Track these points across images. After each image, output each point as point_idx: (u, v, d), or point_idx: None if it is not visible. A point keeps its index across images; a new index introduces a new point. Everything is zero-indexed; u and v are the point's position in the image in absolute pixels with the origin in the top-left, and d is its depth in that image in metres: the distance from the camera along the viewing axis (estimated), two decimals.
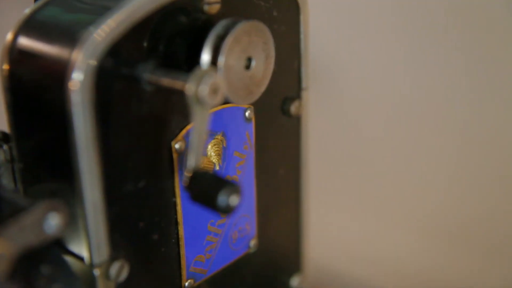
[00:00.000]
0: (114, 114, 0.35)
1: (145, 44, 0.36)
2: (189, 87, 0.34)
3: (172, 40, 0.37)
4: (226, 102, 0.40)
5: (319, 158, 1.32)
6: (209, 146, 0.40)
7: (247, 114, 0.42)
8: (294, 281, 0.49)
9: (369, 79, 1.23)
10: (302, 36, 0.44)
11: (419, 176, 1.22)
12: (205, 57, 0.37)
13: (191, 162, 0.36)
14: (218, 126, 0.40)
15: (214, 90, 0.35)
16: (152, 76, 0.36)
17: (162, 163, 0.38)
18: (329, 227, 1.36)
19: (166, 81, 0.36)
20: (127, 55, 0.35)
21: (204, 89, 0.34)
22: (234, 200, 0.35)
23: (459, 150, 1.16)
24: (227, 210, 0.35)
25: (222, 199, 0.35)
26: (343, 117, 1.28)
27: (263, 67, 0.39)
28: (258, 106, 0.43)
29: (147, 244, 0.39)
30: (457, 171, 1.17)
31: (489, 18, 0.99)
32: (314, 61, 1.23)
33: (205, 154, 0.40)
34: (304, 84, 0.45)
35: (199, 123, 0.36)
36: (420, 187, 1.21)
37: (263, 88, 0.39)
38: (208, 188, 0.35)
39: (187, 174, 0.36)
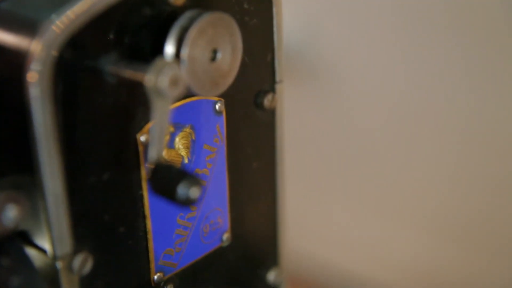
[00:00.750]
0: (75, 106, 0.35)
1: (108, 36, 0.36)
2: (149, 78, 0.34)
3: (137, 32, 0.37)
4: (193, 94, 0.39)
5: (322, 156, 1.32)
6: (177, 139, 0.40)
7: (217, 107, 0.42)
8: (271, 275, 0.49)
9: (371, 78, 1.22)
10: (275, 29, 0.44)
11: (423, 174, 1.22)
12: (169, 49, 0.37)
13: (153, 154, 0.36)
14: (186, 118, 0.40)
15: (174, 82, 0.35)
16: (114, 68, 0.36)
17: (128, 156, 0.38)
18: (332, 226, 1.36)
19: (128, 73, 0.35)
20: (89, 47, 0.35)
21: (163, 81, 0.34)
22: (194, 192, 0.35)
23: (463, 148, 1.15)
24: (187, 203, 0.35)
25: (182, 191, 0.35)
26: (346, 115, 1.28)
27: (230, 59, 0.39)
28: (229, 99, 0.42)
29: (112, 237, 0.39)
30: (461, 169, 1.17)
31: (489, 17, 0.98)
32: (314, 59, 1.23)
33: (172, 147, 0.40)
34: (278, 77, 0.45)
35: (160, 115, 0.35)
36: (424, 186, 1.21)
37: (230, 80, 0.39)
38: (168, 180, 0.35)
39: (148, 166, 0.36)
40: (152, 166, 0.36)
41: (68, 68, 0.34)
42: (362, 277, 1.34)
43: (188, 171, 0.36)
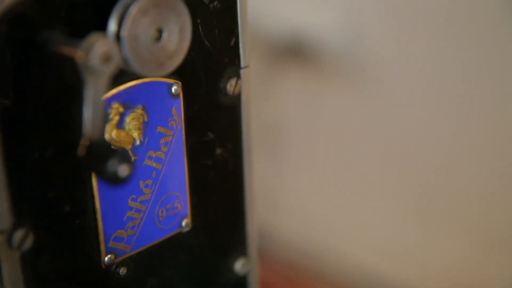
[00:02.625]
0: (13, 81, 0.35)
1: (53, 11, 0.36)
2: (80, 54, 0.34)
3: (81, 8, 0.37)
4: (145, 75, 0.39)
5: (364, 156, 1.30)
6: (128, 120, 0.40)
7: (173, 89, 0.41)
8: (238, 264, 0.48)
9: (415, 78, 1.20)
10: (239, 13, 0.43)
11: (470, 177, 1.19)
12: (111, 26, 0.36)
13: (86, 131, 0.36)
14: (137, 99, 0.40)
15: (107, 58, 0.34)
16: (55, 44, 0.36)
17: (73, 133, 0.38)
18: (367, 224, 1.34)
19: (64, 49, 0.35)
20: (33, 22, 0.35)
21: (95, 57, 0.34)
22: (123, 170, 0.35)
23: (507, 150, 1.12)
24: (116, 180, 0.35)
25: (111, 168, 0.34)
26: (390, 115, 1.26)
27: (177, 39, 0.38)
28: (188, 82, 0.42)
29: (57, 215, 0.39)
30: (505, 174, 1.13)
31: None
32: (361, 60, 1.21)
33: (123, 128, 0.40)
34: (244, 62, 0.44)
35: (92, 92, 0.35)
36: (469, 190, 1.18)
37: (177, 60, 0.39)
38: (99, 158, 0.35)
39: (82, 143, 0.36)
40: (86, 143, 0.36)
41: (3, 43, 0.34)
42: (397, 281, 1.32)
43: (117, 149, 0.35)
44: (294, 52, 1.35)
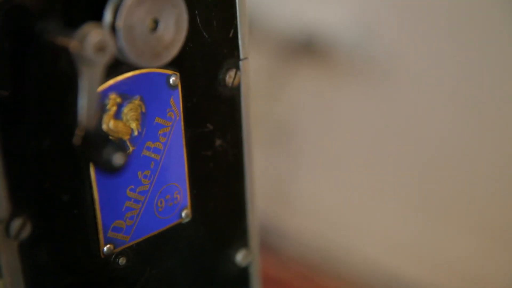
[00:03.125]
0: (10, 72, 0.36)
1: (46, 2, 0.36)
2: (74, 44, 0.34)
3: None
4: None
5: (377, 153, 1.30)
6: (125, 110, 0.40)
7: (171, 80, 0.42)
8: (239, 256, 0.48)
9: (427, 75, 1.20)
10: (237, 5, 0.43)
11: (482, 175, 1.18)
12: (106, 17, 0.37)
13: (82, 121, 0.36)
14: (135, 90, 0.40)
15: (101, 48, 0.35)
16: (50, 34, 0.36)
17: (70, 123, 0.38)
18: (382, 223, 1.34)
19: (59, 39, 0.36)
20: (30, 12, 0.36)
21: (88, 47, 0.34)
22: (118, 159, 0.35)
23: None
24: (111, 169, 0.35)
25: (105, 157, 0.35)
26: (401, 111, 1.26)
27: (173, 30, 0.39)
28: (187, 73, 0.42)
29: (55, 205, 0.39)
30: None
31: None
32: (373, 56, 1.21)
33: (120, 118, 0.40)
34: (243, 54, 0.45)
35: (87, 82, 0.36)
36: (483, 186, 1.17)
37: (173, 51, 0.39)
38: (94, 147, 0.35)
39: (78, 133, 0.36)
40: (82, 133, 0.36)
41: (6, 33, 0.35)
42: (406, 278, 1.31)
43: (115, 140, 0.36)
44: (306, 49, 1.35)
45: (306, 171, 1.46)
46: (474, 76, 1.14)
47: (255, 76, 1.42)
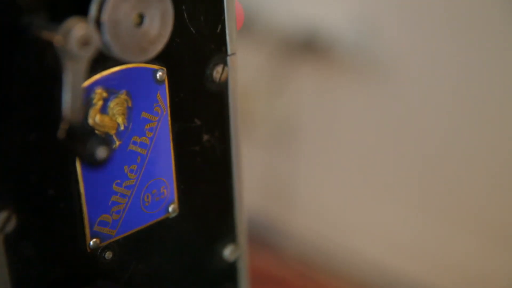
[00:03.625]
0: None
1: None
2: (58, 38, 0.35)
3: None
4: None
5: (378, 152, 1.30)
6: (111, 105, 0.40)
7: (158, 75, 0.42)
8: (227, 251, 0.48)
9: (430, 73, 1.20)
10: (225, 0, 0.44)
11: (482, 175, 1.18)
12: (91, 11, 0.37)
13: (67, 114, 0.36)
14: (121, 85, 0.40)
15: (85, 42, 0.35)
16: (35, 28, 0.36)
17: (55, 117, 0.38)
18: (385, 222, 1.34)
19: (44, 33, 0.36)
20: (10, 7, 0.36)
21: (72, 41, 0.34)
22: (101, 152, 0.35)
23: None
24: (95, 162, 0.35)
25: (89, 150, 0.35)
26: (403, 110, 1.26)
27: (159, 25, 0.39)
28: (174, 68, 0.42)
29: (40, 199, 0.39)
30: None
31: None
32: (374, 55, 1.21)
33: (106, 113, 0.40)
34: (230, 49, 0.45)
35: (71, 76, 0.36)
36: (483, 186, 1.17)
37: (159, 46, 0.39)
38: (78, 141, 0.36)
39: (62, 126, 0.36)
40: (66, 127, 0.36)
41: None
42: (407, 277, 1.31)
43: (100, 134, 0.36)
44: (307, 47, 1.35)
45: (307, 170, 1.46)
46: (476, 76, 1.14)
47: (256, 74, 1.42)
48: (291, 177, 1.48)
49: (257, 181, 1.52)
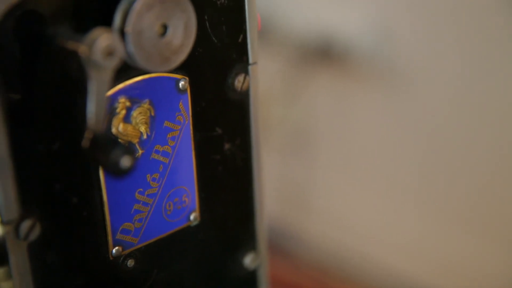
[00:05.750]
0: (21, 76, 0.36)
1: (57, 7, 0.37)
2: (83, 48, 0.35)
3: (88, 4, 0.38)
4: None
5: (394, 159, 1.30)
6: (135, 114, 0.41)
7: (180, 85, 0.42)
8: (247, 259, 0.48)
9: (446, 79, 1.20)
10: (247, 9, 0.44)
11: (493, 176, 1.18)
12: (116, 21, 0.37)
13: (91, 124, 0.37)
14: (144, 94, 0.41)
15: (109, 52, 0.35)
16: (60, 39, 0.37)
17: (79, 126, 0.39)
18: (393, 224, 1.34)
19: (69, 43, 0.36)
20: (36, 17, 0.36)
21: (97, 51, 0.35)
22: (125, 161, 0.35)
23: None
24: (119, 172, 0.35)
25: (113, 159, 0.35)
26: (419, 116, 1.25)
27: (182, 35, 0.39)
28: (196, 77, 0.43)
29: (64, 207, 0.39)
30: None
31: None
32: (390, 61, 1.21)
33: (129, 122, 0.41)
34: (252, 59, 0.45)
35: (96, 86, 0.36)
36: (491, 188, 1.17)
37: (182, 56, 0.39)
38: (102, 149, 0.36)
39: (87, 135, 0.37)
40: (90, 136, 0.36)
41: (10, 36, 0.35)
42: (421, 284, 1.31)
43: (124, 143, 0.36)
44: (323, 53, 1.35)
45: (322, 176, 1.46)
46: (492, 83, 1.14)
47: (272, 80, 1.43)
48: (306, 184, 1.48)
49: (272, 187, 1.52)
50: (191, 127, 0.43)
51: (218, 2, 0.43)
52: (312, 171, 1.46)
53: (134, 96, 0.40)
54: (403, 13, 1.24)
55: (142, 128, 0.41)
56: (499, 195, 1.19)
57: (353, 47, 1.31)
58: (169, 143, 0.43)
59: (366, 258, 1.40)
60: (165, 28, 0.38)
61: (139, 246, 0.43)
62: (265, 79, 1.44)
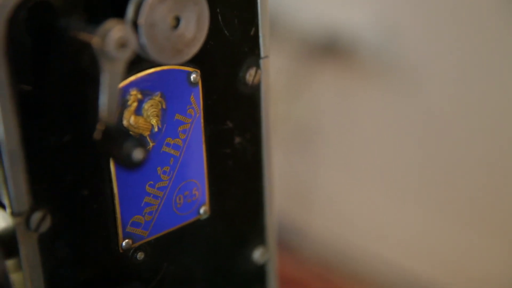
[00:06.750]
0: (33, 67, 0.36)
1: None
2: (96, 40, 0.35)
3: None
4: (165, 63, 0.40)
5: (398, 155, 1.30)
6: (146, 106, 0.40)
7: (192, 77, 0.42)
8: (257, 253, 0.48)
9: (451, 76, 1.19)
10: (259, 3, 0.44)
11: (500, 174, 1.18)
12: (128, 13, 0.37)
13: (103, 116, 0.36)
14: (155, 86, 0.40)
15: (122, 44, 0.35)
16: (72, 30, 0.37)
17: (90, 118, 0.39)
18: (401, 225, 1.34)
19: (82, 35, 0.36)
20: (48, 8, 0.36)
21: (110, 43, 0.35)
22: (137, 154, 0.35)
23: None
24: (131, 164, 0.35)
25: (125, 152, 0.35)
26: (423, 114, 1.25)
27: (195, 28, 0.39)
28: (207, 70, 0.43)
29: (75, 199, 0.39)
30: None
31: None
32: (395, 57, 1.21)
33: (141, 114, 0.40)
34: (263, 52, 0.45)
35: (109, 77, 0.36)
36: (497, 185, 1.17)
37: (195, 48, 0.39)
38: (114, 142, 0.36)
39: (99, 127, 0.37)
40: (102, 128, 0.36)
41: (22, 28, 0.35)
42: (425, 280, 1.31)
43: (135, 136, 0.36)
44: (328, 49, 1.35)
45: (327, 172, 1.46)
46: (498, 81, 1.14)
47: (276, 76, 1.43)
48: (311, 180, 1.48)
49: (277, 183, 1.52)
50: (202, 120, 0.43)
51: None
52: (316, 168, 1.46)
53: (146, 88, 0.40)
54: (408, 10, 1.24)
55: (153, 121, 0.41)
56: (500, 192, 1.19)
57: (358, 43, 1.30)
58: (180, 136, 0.42)
59: (369, 254, 1.40)
60: (177, 20, 0.38)
61: (149, 239, 0.43)
62: (270, 74, 1.44)
